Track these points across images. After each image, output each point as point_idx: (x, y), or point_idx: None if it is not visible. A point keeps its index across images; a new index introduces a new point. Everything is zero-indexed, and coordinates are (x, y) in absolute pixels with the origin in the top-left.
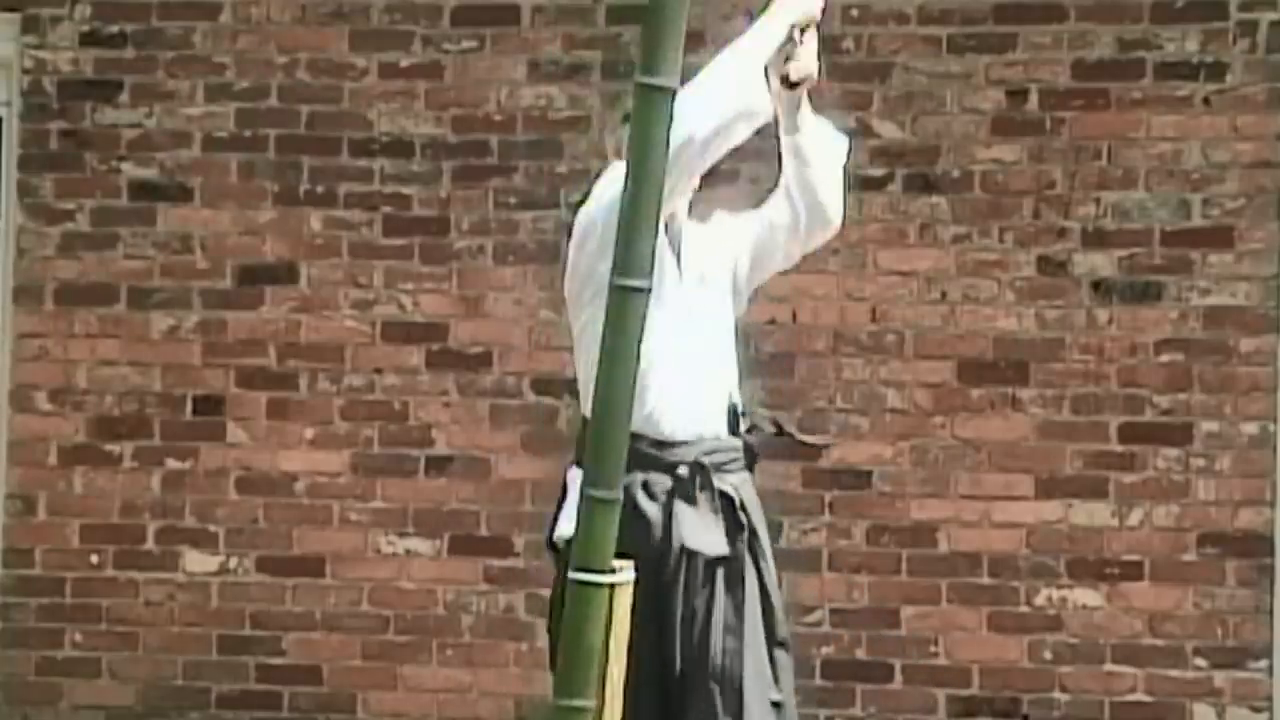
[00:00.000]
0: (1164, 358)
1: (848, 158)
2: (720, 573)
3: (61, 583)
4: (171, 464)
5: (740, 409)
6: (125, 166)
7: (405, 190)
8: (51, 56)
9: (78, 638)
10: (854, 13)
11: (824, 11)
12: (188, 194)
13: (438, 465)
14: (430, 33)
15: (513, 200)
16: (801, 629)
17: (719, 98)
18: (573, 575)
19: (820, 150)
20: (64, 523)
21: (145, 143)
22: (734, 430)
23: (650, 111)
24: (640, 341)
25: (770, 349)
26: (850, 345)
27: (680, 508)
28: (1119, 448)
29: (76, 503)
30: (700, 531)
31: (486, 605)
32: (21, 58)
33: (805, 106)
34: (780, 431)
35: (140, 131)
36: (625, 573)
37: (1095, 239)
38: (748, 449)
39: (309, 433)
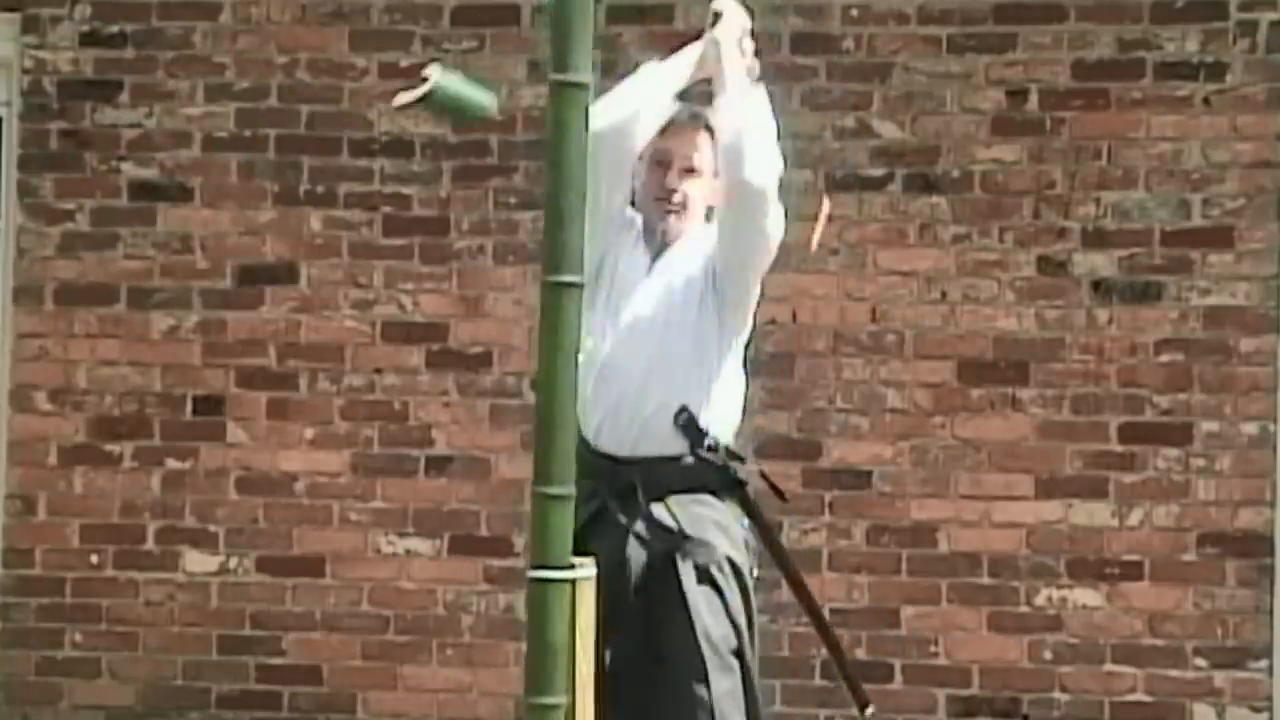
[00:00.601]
0: (1164, 358)
1: (773, 111)
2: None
3: (61, 583)
4: (171, 464)
5: (699, 424)
6: (125, 166)
7: (405, 190)
8: (51, 56)
9: (78, 638)
10: (854, 13)
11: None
12: (188, 194)
13: (438, 465)
14: (430, 33)
15: (513, 200)
16: (802, 629)
17: (623, 95)
18: (531, 574)
19: (731, 108)
20: (64, 523)
21: (145, 143)
22: (695, 447)
23: (566, 107)
24: (579, 335)
25: (770, 349)
26: (850, 345)
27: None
28: (1119, 448)
29: (76, 503)
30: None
31: (486, 605)
32: (21, 58)
33: (729, 69)
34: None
35: (140, 131)
36: (586, 568)
37: (1095, 239)
38: (709, 470)
39: (309, 433)
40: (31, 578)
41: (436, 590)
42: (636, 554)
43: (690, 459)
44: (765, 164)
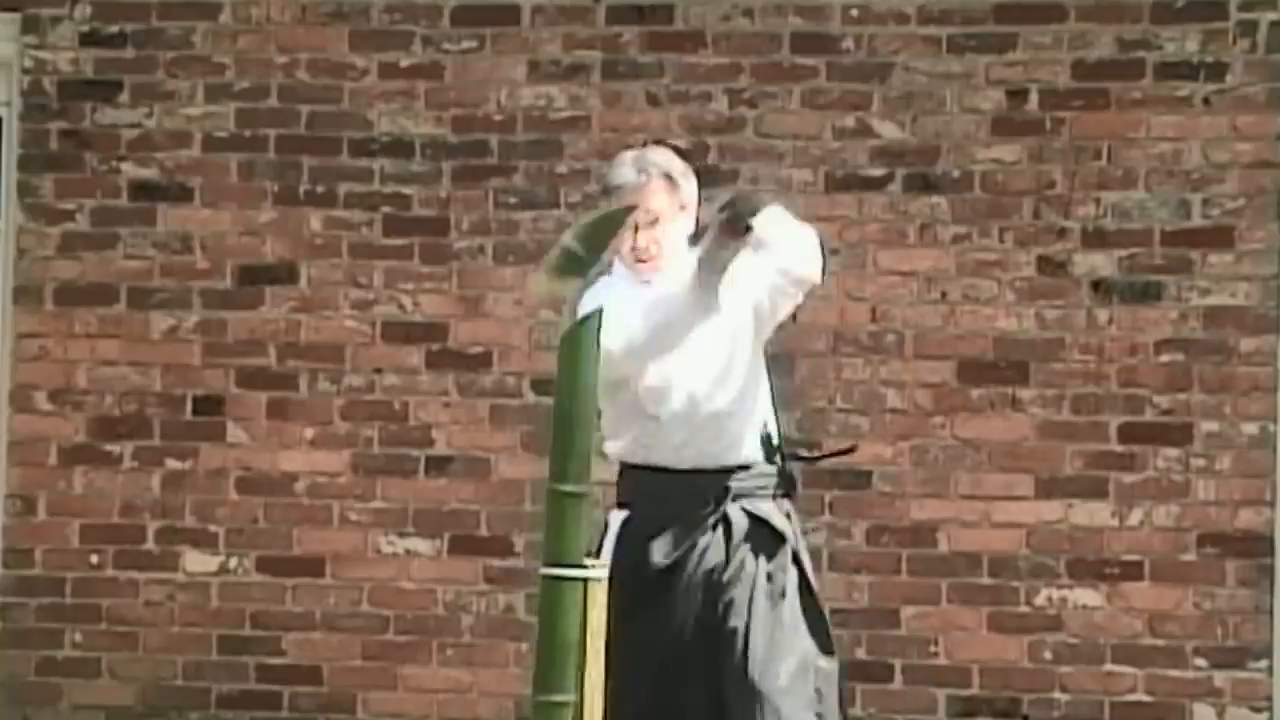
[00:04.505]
0: (1164, 358)
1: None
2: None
3: (61, 583)
4: (171, 464)
5: (772, 437)
6: (125, 166)
7: (405, 190)
8: (51, 56)
9: (78, 638)
10: (854, 13)
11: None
12: (188, 194)
13: (438, 465)
14: (430, 33)
15: (513, 200)
16: None
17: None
18: (544, 571)
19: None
20: (64, 523)
21: (145, 143)
22: (769, 457)
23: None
24: (598, 335)
25: (770, 349)
26: (850, 345)
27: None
28: (1119, 448)
29: (76, 503)
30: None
31: (486, 605)
32: (21, 58)
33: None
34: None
35: (140, 131)
36: (598, 568)
37: (1095, 239)
38: (779, 473)
39: (309, 433)
40: (31, 578)
41: (436, 590)
42: (740, 546)
43: (768, 466)
44: (805, 258)
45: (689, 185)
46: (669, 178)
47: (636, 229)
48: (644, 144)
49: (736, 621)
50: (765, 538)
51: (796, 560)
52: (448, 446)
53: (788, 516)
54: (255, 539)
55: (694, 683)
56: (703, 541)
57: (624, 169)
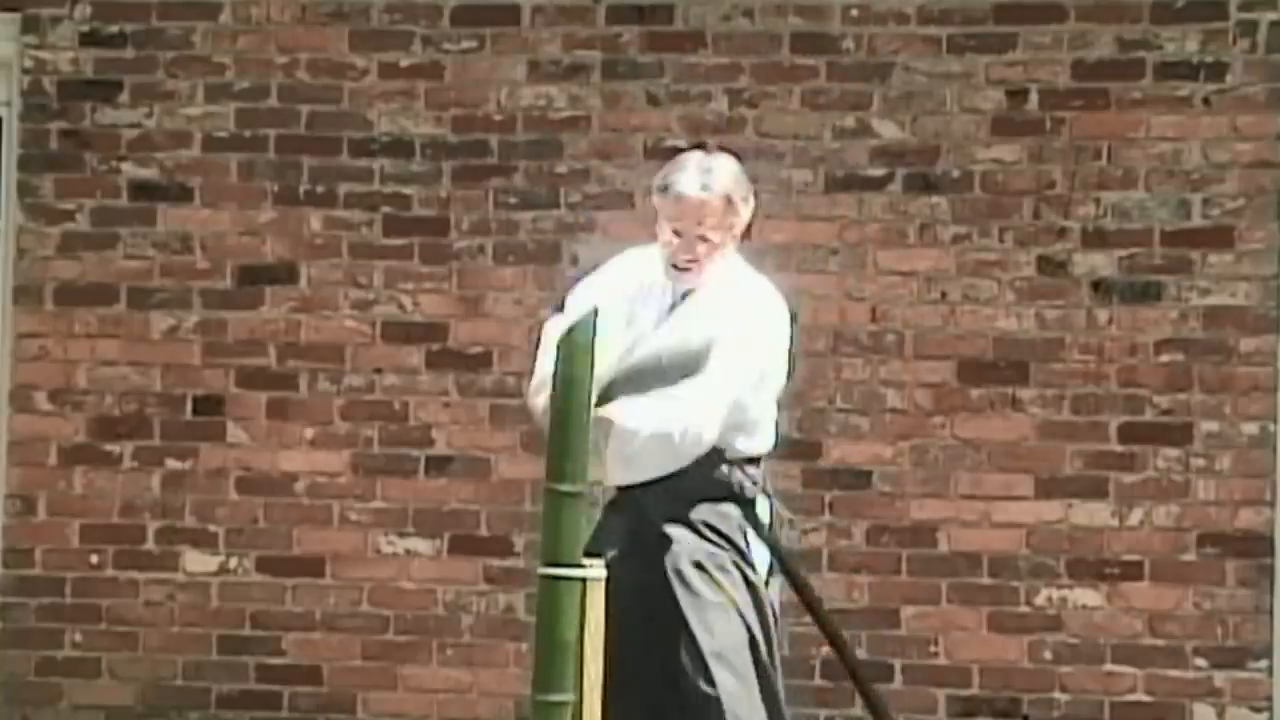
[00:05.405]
0: (1164, 358)
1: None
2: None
3: (61, 583)
4: (171, 464)
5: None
6: (125, 166)
7: (405, 190)
8: (51, 56)
9: (78, 638)
10: (854, 13)
11: None
12: (188, 194)
13: (438, 465)
14: (430, 33)
15: (513, 200)
16: (801, 629)
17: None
18: (542, 571)
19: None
20: (64, 523)
21: (145, 143)
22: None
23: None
24: (595, 334)
25: None
26: (850, 345)
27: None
28: (1119, 448)
29: (76, 503)
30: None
31: (486, 605)
32: (21, 58)
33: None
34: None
35: (140, 131)
36: (596, 568)
37: (1095, 239)
38: (715, 483)
39: (309, 433)
40: (31, 578)
41: (436, 590)
42: (649, 562)
43: (693, 470)
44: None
45: (745, 211)
46: (729, 201)
47: (682, 237)
48: (711, 149)
49: (666, 634)
50: (690, 543)
51: (741, 569)
52: (448, 446)
53: (743, 525)
54: (255, 539)
55: (635, 698)
56: (628, 550)
57: (689, 176)
